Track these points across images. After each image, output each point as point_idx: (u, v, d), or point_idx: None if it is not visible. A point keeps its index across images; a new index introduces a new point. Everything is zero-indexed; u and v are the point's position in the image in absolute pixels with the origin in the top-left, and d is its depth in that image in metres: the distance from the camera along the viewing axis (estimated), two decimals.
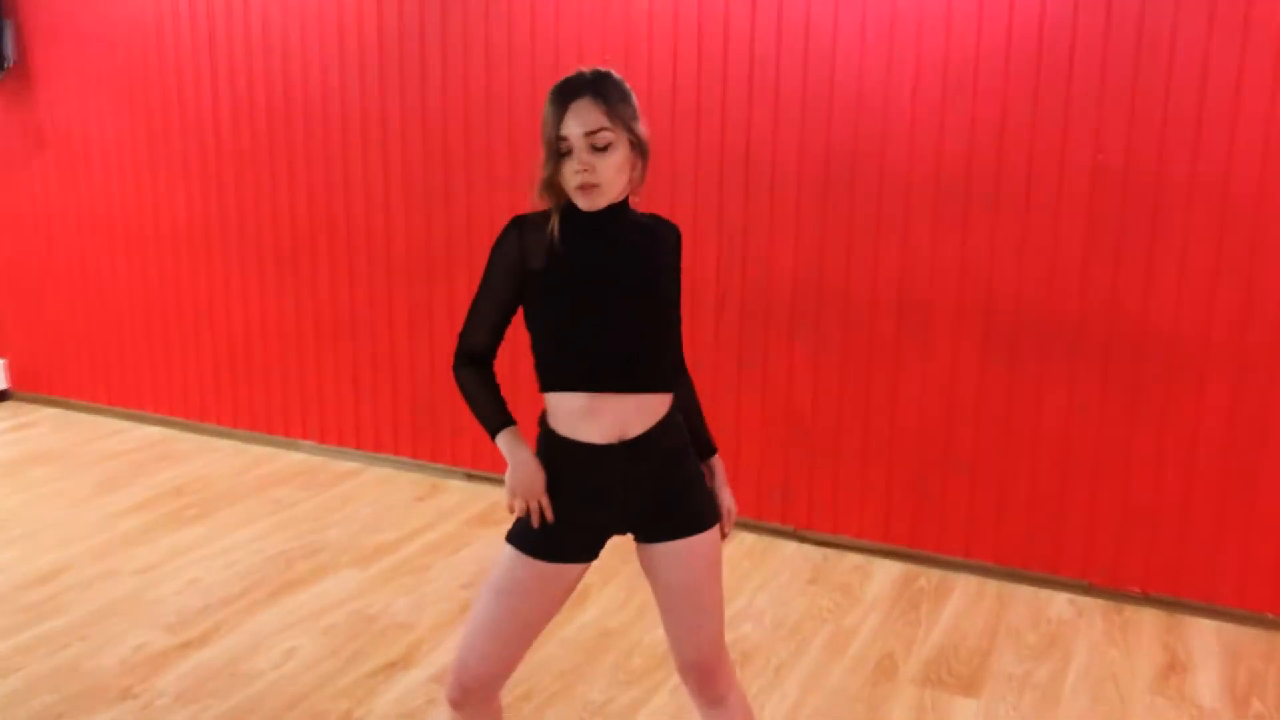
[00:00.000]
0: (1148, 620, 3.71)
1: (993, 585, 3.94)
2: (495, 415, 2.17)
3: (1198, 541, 3.72)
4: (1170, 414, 3.69)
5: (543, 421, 2.18)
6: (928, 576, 4.00)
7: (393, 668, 3.29)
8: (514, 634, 2.19)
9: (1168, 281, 3.62)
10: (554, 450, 2.14)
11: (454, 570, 3.93)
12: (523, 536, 2.14)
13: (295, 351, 5.07)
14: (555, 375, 2.13)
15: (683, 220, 4.16)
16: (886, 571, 4.03)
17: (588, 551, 2.20)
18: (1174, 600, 3.77)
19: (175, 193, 5.17)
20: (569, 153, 2.05)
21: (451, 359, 2.23)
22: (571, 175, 2.06)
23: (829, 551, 4.18)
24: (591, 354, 2.11)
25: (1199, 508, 3.70)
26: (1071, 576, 3.90)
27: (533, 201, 2.16)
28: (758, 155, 4.08)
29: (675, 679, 3.21)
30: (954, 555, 4.05)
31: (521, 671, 3.25)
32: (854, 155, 3.93)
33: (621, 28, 4.20)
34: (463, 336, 2.21)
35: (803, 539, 4.25)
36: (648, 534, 2.21)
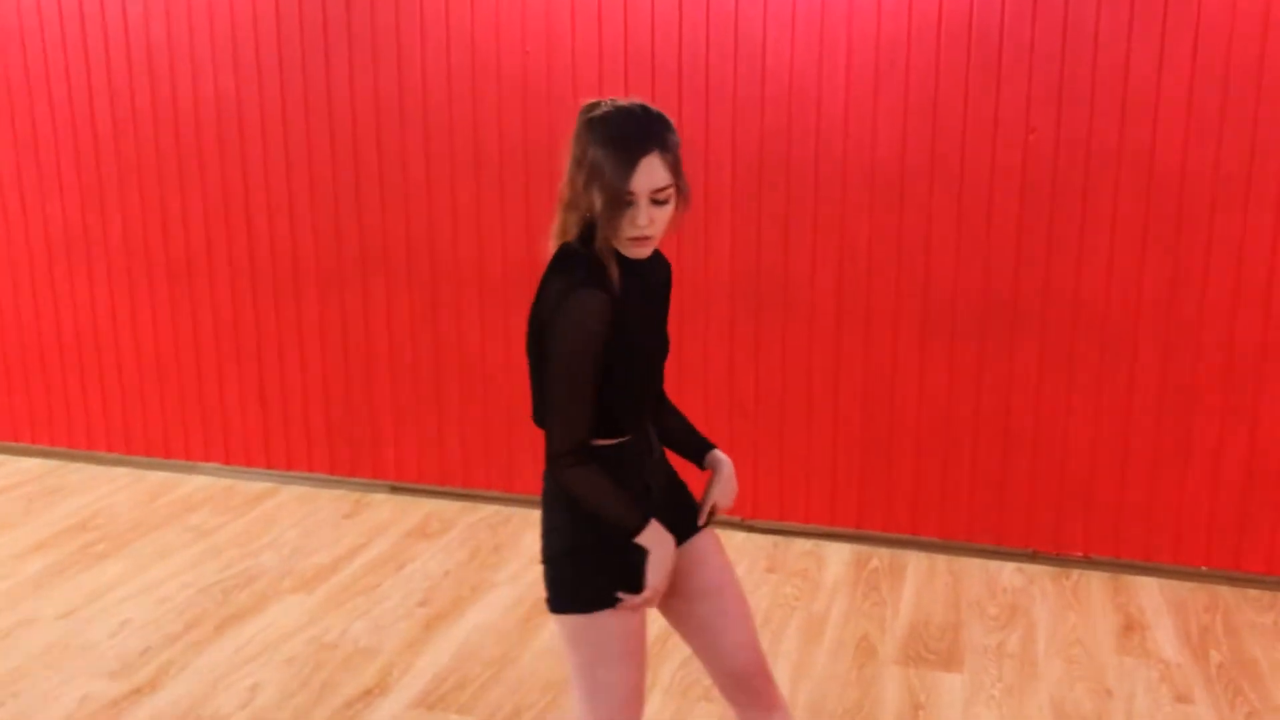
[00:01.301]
0: (1094, 583, 3.85)
1: (942, 560, 4.02)
2: (634, 508, 2.00)
3: (1135, 504, 3.88)
4: (1105, 384, 3.83)
5: None
6: (879, 556, 4.05)
7: (370, 695, 3.12)
8: (641, 692, 2.09)
9: (1098, 256, 3.75)
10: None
11: (405, 588, 3.77)
12: (597, 592, 2.00)
13: (194, 370, 4.77)
14: (609, 424, 2.02)
15: None
16: (838, 554, 4.07)
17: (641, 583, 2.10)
18: (1115, 561, 3.92)
19: (49, 205, 4.78)
20: (631, 205, 1.95)
21: (560, 455, 1.98)
22: (629, 226, 1.95)
23: (778, 539, 4.19)
24: (637, 397, 2.08)
25: (1135, 472, 3.86)
26: (1016, 546, 4.01)
27: (557, 238, 2.04)
28: (690, 146, 4.03)
29: (666, 681, 3.17)
30: (901, 533, 4.11)
31: (505, 688, 3.15)
32: (788, 141, 3.94)
33: (542, 20, 4.09)
34: (566, 428, 1.96)
35: (751, 528, 4.25)
36: (676, 536, 2.10)
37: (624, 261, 2.00)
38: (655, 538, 1.99)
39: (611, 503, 1.98)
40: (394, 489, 4.64)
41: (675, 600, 2.16)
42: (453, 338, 4.44)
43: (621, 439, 2.04)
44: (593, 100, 2.03)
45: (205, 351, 4.73)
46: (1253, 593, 3.77)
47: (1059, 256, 3.78)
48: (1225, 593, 3.77)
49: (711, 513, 2.20)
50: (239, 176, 4.53)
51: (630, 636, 2.03)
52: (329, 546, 4.11)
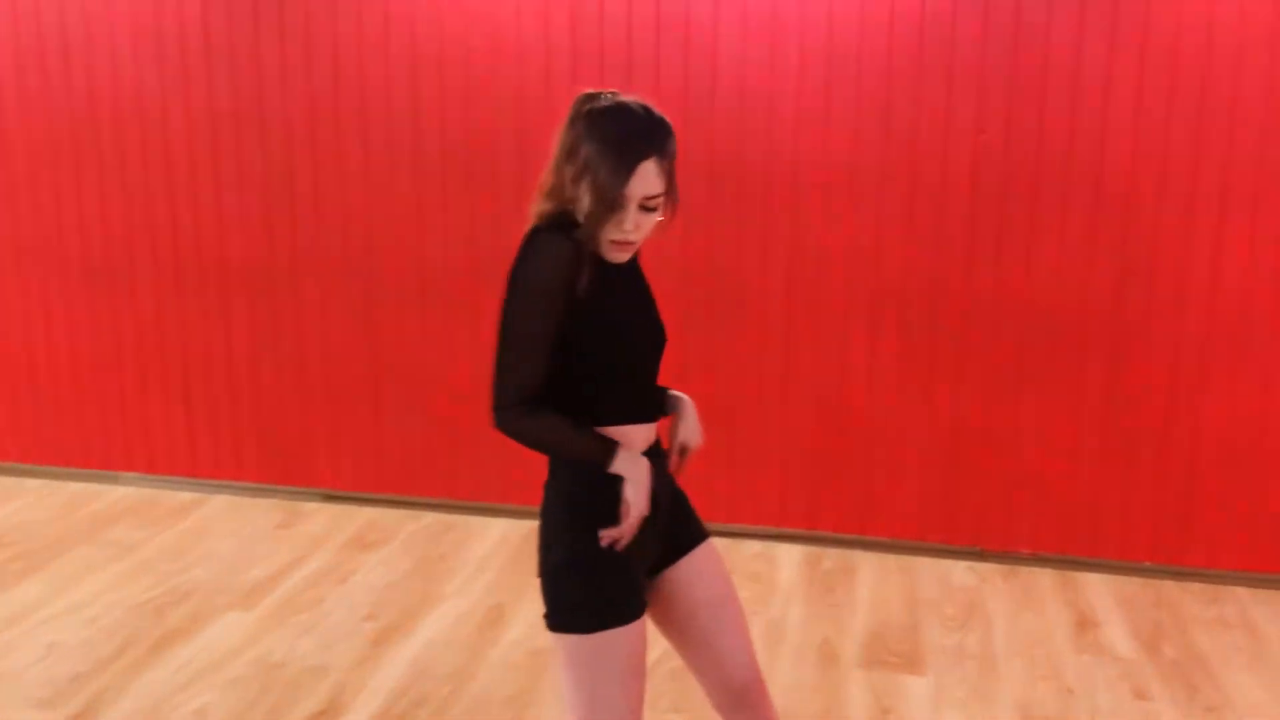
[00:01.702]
0: (1043, 580, 3.88)
1: (893, 560, 4.02)
2: (601, 442, 1.93)
3: (1081, 501, 3.92)
4: (1053, 383, 3.86)
5: (566, 462, 1.99)
6: (830, 557, 4.03)
7: (323, 716, 2.97)
8: (640, 712, 2.00)
9: (1047, 257, 3.78)
10: (593, 477, 1.95)
11: (350, 602, 3.62)
12: (600, 610, 1.92)
13: (113, 374, 4.53)
14: (592, 414, 1.95)
15: None
16: (789, 556, 4.04)
17: (643, 600, 2.02)
18: (1062, 558, 3.96)
19: None
20: (621, 209, 1.87)
21: (492, 411, 1.95)
22: (614, 229, 1.89)
23: (728, 541, 4.13)
24: (636, 387, 2.02)
25: (1082, 469, 3.90)
26: (965, 544, 4.03)
27: (534, 219, 1.95)
28: None
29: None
30: (851, 533, 4.10)
31: (466, 704, 3.05)
32: (740, 142, 3.89)
33: (487, 17, 3.97)
34: (508, 377, 1.90)
35: None
36: (673, 549, 2.08)
37: (601, 261, 1.94)
38: (629, 463, 1.92)
39: (576, 441, 1.93)
40: (328, 497, 4.47)
41: (674, 613, 2.09)
42: (391, 340, 4.29)
43: (613, 428, 1.96)
44: (591, 91, 1.96)
45: (125, 355, 4.51)
46: (1195, 586, 3.84)
47: (1009, 257, 3.80)
48: (1169, 587, 3.84)
49: (682, 453, 2.13)
50: (161, 172, 4.32)
51: (631, 655, 1.95)
52: (265, 559, 3.94)
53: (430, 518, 4.33)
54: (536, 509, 4.05)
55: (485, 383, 4.39)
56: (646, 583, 2.06)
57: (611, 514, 1.94)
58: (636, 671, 1.97)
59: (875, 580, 3.87)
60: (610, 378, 1.97)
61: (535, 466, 4.35)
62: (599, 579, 1.93)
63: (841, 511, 4.10)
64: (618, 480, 1.94)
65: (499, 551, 4.04)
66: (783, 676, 3.21)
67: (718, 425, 4.10)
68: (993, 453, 3.95)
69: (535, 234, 1.91)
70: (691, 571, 2.09)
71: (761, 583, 3.82)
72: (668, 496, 2.09)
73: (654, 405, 2.08)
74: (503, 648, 3.34)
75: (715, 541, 2.16)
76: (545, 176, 1.97)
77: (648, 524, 2.00)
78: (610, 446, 1.93)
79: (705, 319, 4.03)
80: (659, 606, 2.09)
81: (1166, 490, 3.85)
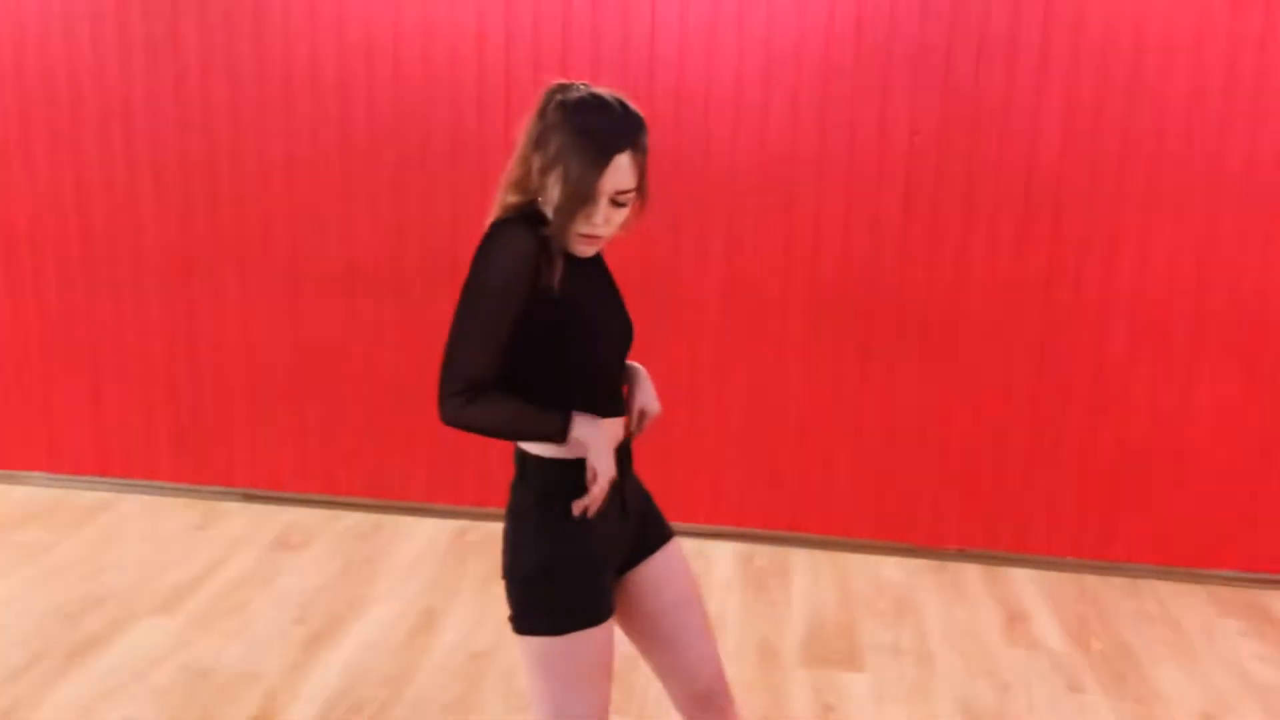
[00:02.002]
0: (971, 575, 3.95)
1: (824, 557, 4.04)
2: (551, 415, 1.87)
3: (1008, 497, 3.99)
4: (982, 380, 3.92)
5: (535, 459, 1.94)
6: (761, 555, 4.04)
7: None
8: (607, 714, 1.96)
9: (978, 255, 3.83)
10: (565, 476, 1.91)
11: (277, 605, 3.50)
12: (571, 612, 1.89)
13: (14, 368, 4.31)
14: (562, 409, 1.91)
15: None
16: (722, 554, 4.03)
17: (611, 601, 1.98)
18: (988, 553, 4.03)
19: None
20: (592, 202, 1.83)
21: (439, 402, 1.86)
22: (583, 223, 1.84)
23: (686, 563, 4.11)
24: (599, 387, 1.98)
25: (1009, 466, 3.97)
26: (894, 540, 4.07)
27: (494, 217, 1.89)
28: None
29: None
30: (782, 530, 4.11)
31: (405, 709, 2.97)
32: (677, 139, 3.86)
33: (417, 2, 3.87)
34: (458, 367, 1.83)
35: None
36: (640, 548, 2.06)
37: (568, 256, 1.89)
38: (588, 427, 1.87)
39: (528, 417, 1.86)
40: (247, 497, 4.32)
41: (639, 614, 2.06)
42: (315, 334, 4.16)
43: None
44: (563, 81, 1.91)
45: (29, 348, 4.29)
46: (1117, 580, 3.94)
47: (941, 256, 3.85)
48: (1093, 581, 3.93)
49: (641, 419, 2.08)
50: (70, 157, 4.12)
51: (600, 657, 1.92)
52: (183, 562, 3.79)
53: (355, 518, 4.22)
54: (465, 509, 4.03)
55: (414, 377, 4.31)
56: (614, 583, 2.03)
57: (582, 517, 1.90)
58: (605, 673, 1.94)
59: (808, 577, 3.88)
60: (580, 374, 1.93)
61: (465, 465, 4.28)
62: (569, 581, 1.90)
63: (773, 509, 4.10)
64: (586, 480, 1.90)
65: (428, 553, 3.95)
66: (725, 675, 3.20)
67: (651, 426, 4.07)
68: (923, 449, 4.00)
69: (497, 226, 1.85)
70: (658, 572, 2.06)
71: (698, 581, 3.80)
72: (637, 496, 2.06)
73: (621, 400, 2.04)
74: (439, 652, 3.26)
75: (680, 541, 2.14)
76: (511, 168, 1.91)
77: (619, 523, 1.98)
78: (566, 415, 1.87)
79: (640, 316, 3.95)
80: (624, 607, 2.06)
81: (1090, 486, 3.95)
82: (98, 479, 4.37)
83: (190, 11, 3.96)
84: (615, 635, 1.97)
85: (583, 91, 1.87)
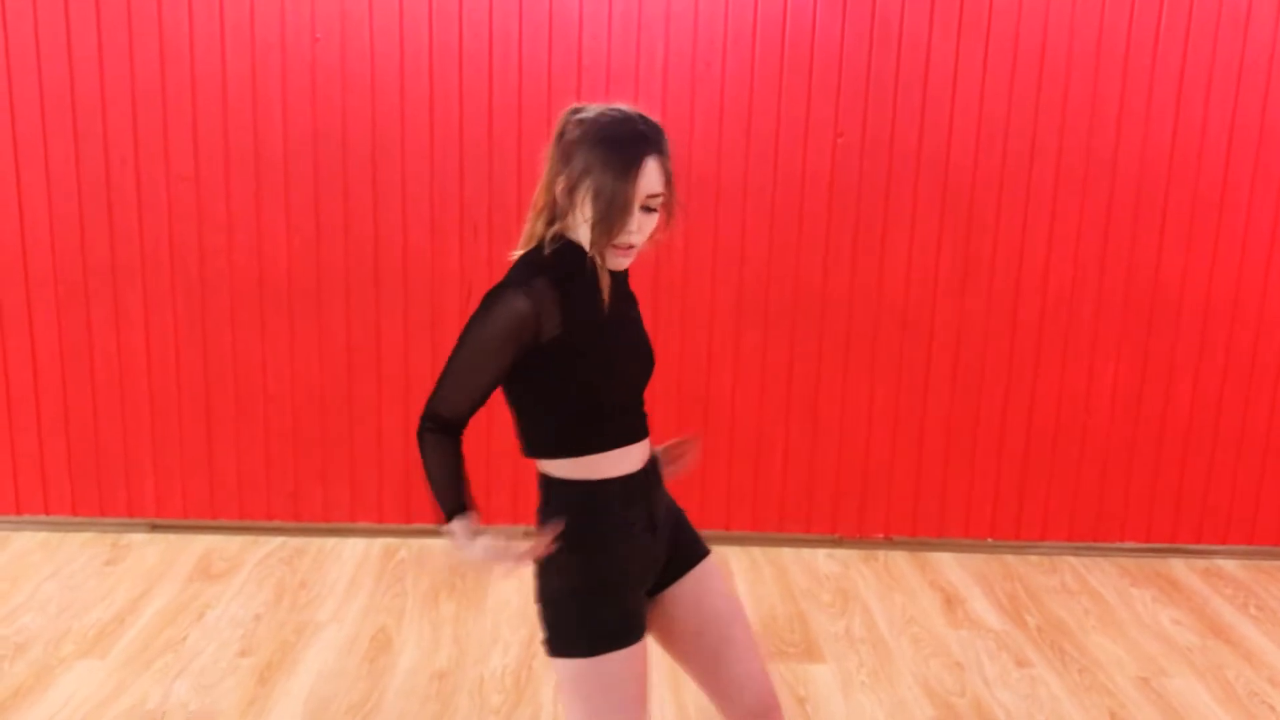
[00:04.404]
0: (900, 562, 4.08)
1: (757, 552, 4.11)
2: (458, 497, 1.88)
3: (929, 484, 4.14)
4: (903, 373, 4.06)
5: (559, 482, 1.92)
6: None
7: None
8: None
9: (899, 253, 3.97)
10: (592, 498, 1.90)
11: (217, 638, 3.32)
12: (601, 634, 1.88)
13: None
14: (582, 440, 1.90)
15: (420, 213, 3.85)
16: None
17: (644, 621, 1.98)
18: (913, 540, 4.17)
19: None
20: (628, 209, 1.82)
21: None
22: (618, 231, 1.83)
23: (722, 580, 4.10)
24: (621, 412, 1.96)
25: (929, 454, 4.12)
26: (823, 533, 4.17)
27: (522, 249, 1.91)
28: (501, 145, 3.85)
29: (548, 705, 3.00)
30: (715, 529, 4.15)
31: None
32: None
33: (335, 3, 3.75)
34: (439, 399, 1.87)
35: None
36: (674, 566, 2.04)
37: (595, 271, 1.88)
38: (461, 537, 1.88)
39: (438, 485, 1.88)
40: (154, 527, 4.09)
41: (681, 635, 2.04)
42: (226, 353, 3.97)
43: (604, 454, 1.90)
44: (576, 104, 1.89)
45: None
46: (1033, 558, 4.15)
47: (863, 254, 3.96)
48: (1012, 560, 4.12)
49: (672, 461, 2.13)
50: None
51: (633, 677, 1.91)
52: (102, 600, 3.56)
53: (274, 543, 4.05)
54: (390, 526, 4.00)
55: (332, 394, 4.20)
56: (648, 602, 2.02)
57: (610, 539, 1.90)
58: (639, 693, 1.93)
59: (748, 573, 3.94)
60: (609, 402, 1.92)
61: (388, 482, 4.21)
62: (599, 603, 1.89)
63: (706, 506, 4.14)
64: (616, 498, 1.90)
65: (362, 573, 3.82)
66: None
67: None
68: (849, 441, 4.11)
69: (495, 292, 1.85)
70: (695, 589, 2.04)
71: None
72: (667, 515, 2.04)
73: (643, 422, 2.02)
74: (401, 675, 3.16)
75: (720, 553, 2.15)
76: (537, 195, 1.91)
77: (649, 543, 1.97)
78: (460, 506, 1.88)
79: None
80: (664, 626, 2.04)
81: (1004, 470, 4.14)
82: None
83: (85, 14, 3.73)
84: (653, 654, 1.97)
85: (600, 108, 1.87)
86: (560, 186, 1.84)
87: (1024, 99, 3.86)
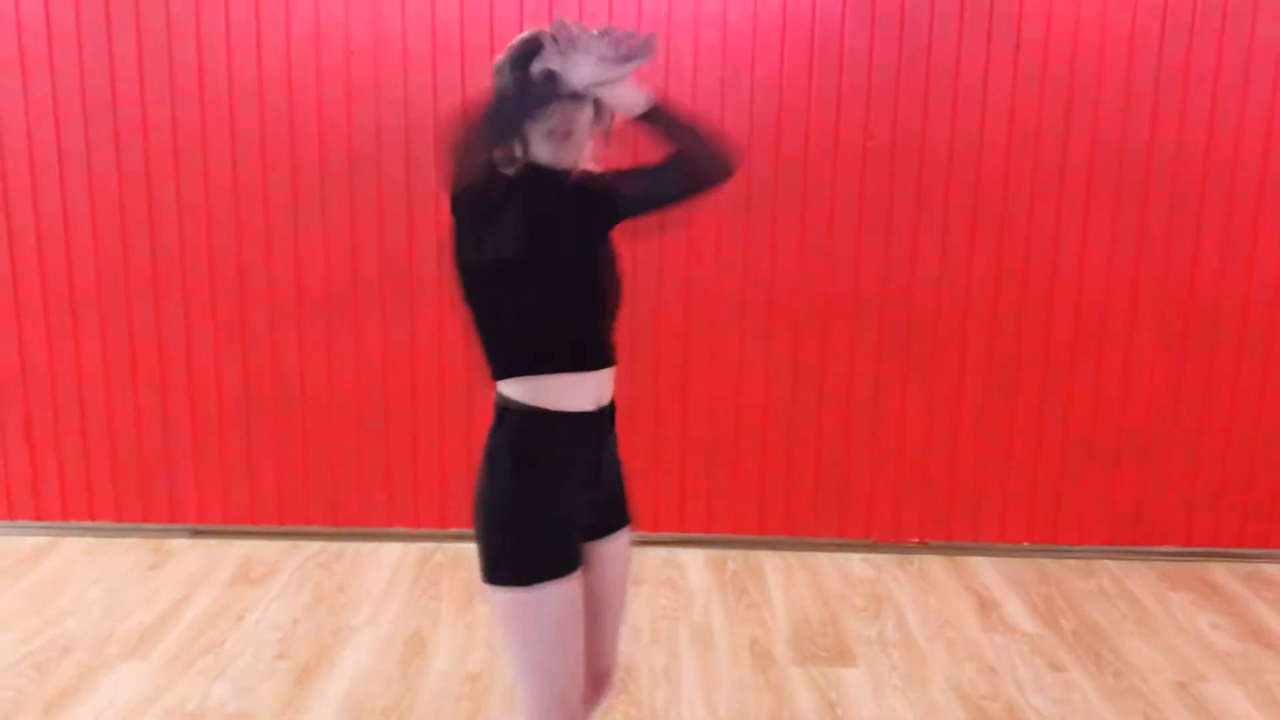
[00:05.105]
0: (934, 566, 4.06)
1: (793, 557, 4.11)
2: (529, 83, 1.91)
3: (964, 488, 4.13)
4: (936, 376, 4.05)
5: (515, 406, 1.95)
6: (733, 559, 4.08)
7: None
8: (581, 661, 2.03)
9: (930, 257, 3.96)
10: (545, 427, 1.95)
11: (255, 641, 3.38)
12: (539, 564, 1.93)
13: None
14: (549, 358, 1.95)
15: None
16: (694, 560, 4.06)
17: (579, 554, 2.03)
18: (948, 544, 4.16)
19: None
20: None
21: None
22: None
23: (631, 549, 4.12)
24: (592, 332, 2.02)
25: (963, 458, 4.10)
26: (857, 537, 4.17)
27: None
28: None
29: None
30: (750, 534, 4.16)
31: None
32: (634, 150, 3.88)
33: (369, 16, 3.81)
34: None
35: None
36: (601, 524, 2.10)
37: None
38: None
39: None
40: (196, 533, 4.17)
41: (589, 593, 2.11)
42: (266, 361, 4.04)
43: (570, 374, 1.95)
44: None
45: None
46: (1070, 562, 4.11)
47: (895, 257, 3.96)
48: (1049, 564, 4.09)
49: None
50: None
51: (569, 609, 1.97)
52: (145, 603, 3.63)
53: (314, 547, 4.11)
54: (426, 531, 4.03)
55: (369, 401, 4.24)
56: (586, 547, 2.08)
57: (557, 469, 1.95)
58: (575, 624, 1.99)
59: (782, 578, 3.94)
60: (589, 321, 1.99)
61: (424, 487, 4.23)
62: (538, 532, 1.94)
63: (740, 513, 4.15)
64: (565, 433, 1.95)
65: (399, 576, 3.87)
66: (725, 678, 3.23)
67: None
68: (882, 445, 4.10)
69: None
70: (609, 553, 2.14)
71: (677, 589, 3.82)
72: (610, 470, 2.11)
73: (608, 351, 2.05)
74: (435, 677, 3.20)
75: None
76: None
77: (590, 489, 2.03)
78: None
79: None
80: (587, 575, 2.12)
81: (1040, 474, 4.11)
82: (32, 523, 4.15)
83: (126, 28, 3.82)
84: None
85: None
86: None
87: (1055, 101, 3.84)
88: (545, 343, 1.94)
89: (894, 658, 3.38)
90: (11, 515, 4.15)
